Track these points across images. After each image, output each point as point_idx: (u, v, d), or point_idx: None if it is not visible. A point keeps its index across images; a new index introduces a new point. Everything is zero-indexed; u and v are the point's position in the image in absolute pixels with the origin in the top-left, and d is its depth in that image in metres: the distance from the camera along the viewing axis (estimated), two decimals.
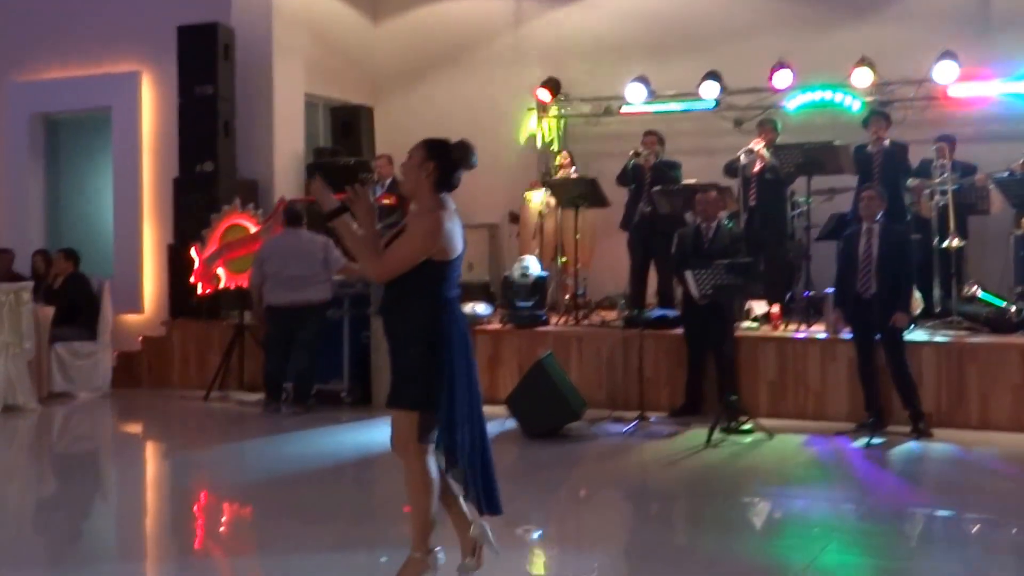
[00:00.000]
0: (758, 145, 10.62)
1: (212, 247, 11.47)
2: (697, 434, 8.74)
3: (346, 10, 14.45)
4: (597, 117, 13.37)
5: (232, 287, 11.43)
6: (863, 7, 12.46)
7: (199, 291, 11.61)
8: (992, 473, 7.79)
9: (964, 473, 7.80)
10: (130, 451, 9.77)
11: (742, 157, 10.63)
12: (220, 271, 11.45)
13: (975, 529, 6.40)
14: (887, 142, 10.37)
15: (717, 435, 8.46)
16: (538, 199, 12.20)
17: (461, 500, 5.07)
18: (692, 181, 10.65)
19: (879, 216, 8.70)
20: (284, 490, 7.47)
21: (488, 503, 5.02)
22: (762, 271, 9.54)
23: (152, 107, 13.25)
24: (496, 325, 10.83)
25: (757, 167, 10.61)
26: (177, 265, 12.05)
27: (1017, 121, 11.67)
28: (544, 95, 13.29)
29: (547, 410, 8.76)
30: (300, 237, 10.27)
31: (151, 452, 9.73)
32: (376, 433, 9.15)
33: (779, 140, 10.89)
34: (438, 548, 5.00)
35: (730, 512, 6.81)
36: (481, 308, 10.93)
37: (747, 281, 8.60)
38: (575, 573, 5.66)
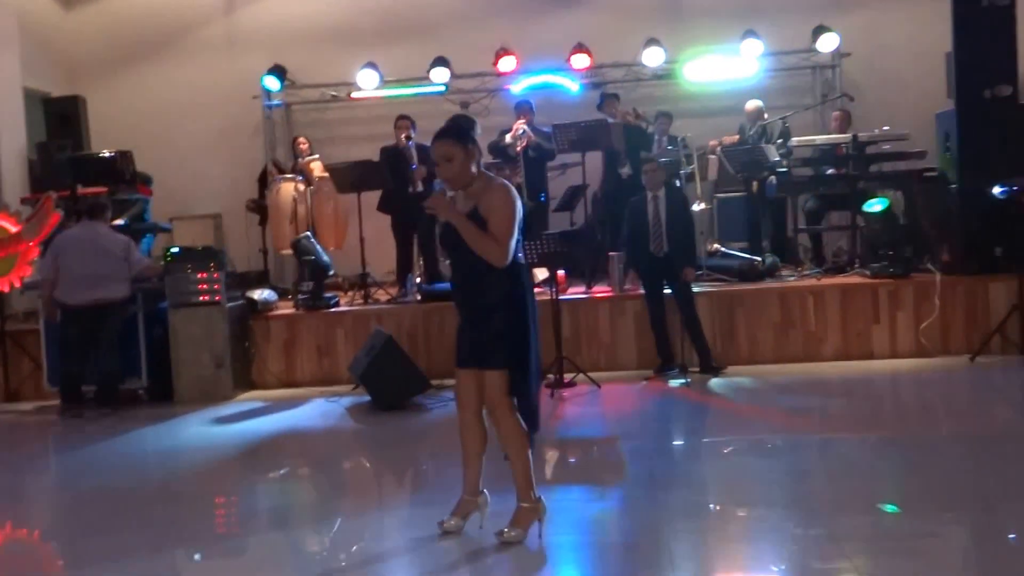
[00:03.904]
0: (524, 126, 11.49)
1: None
2: None
3: None
4: (326, 103, 13.67)
5: None
6: None
7: None
8: (801, 395, 9.05)
9: (792, 396, 9.00)
10: None
11: (507, 137, 11.47)
12: None
13: (882, 442, 7.57)
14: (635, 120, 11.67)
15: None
16: (288, 186, 12.36)
17: (481, 466, 5.53)
18: None
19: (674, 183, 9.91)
20: (96, 497, 7.10)
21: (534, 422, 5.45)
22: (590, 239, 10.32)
23: None
24: (289, 310, 10.97)
25: (520, 146, 11.47)
26: None
27: (708, 99, 13.39)
28: (271, 82, 13.38)
29: (402, 382, 9.18)
30: (98, 231, 9.89)
31: None
32: (181, 428, 9.19)
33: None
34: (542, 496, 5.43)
35: (695, 449, 7.65)
36: (268, 294, 11.01)
37: (574, 249, 9.42)
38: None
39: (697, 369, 9.80)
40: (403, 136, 11.32)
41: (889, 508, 5.88)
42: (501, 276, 5.26)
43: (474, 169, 5.25)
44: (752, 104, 12.29)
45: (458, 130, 5.29)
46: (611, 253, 10.67)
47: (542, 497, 5.44)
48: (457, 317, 5.52)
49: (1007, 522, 5.52)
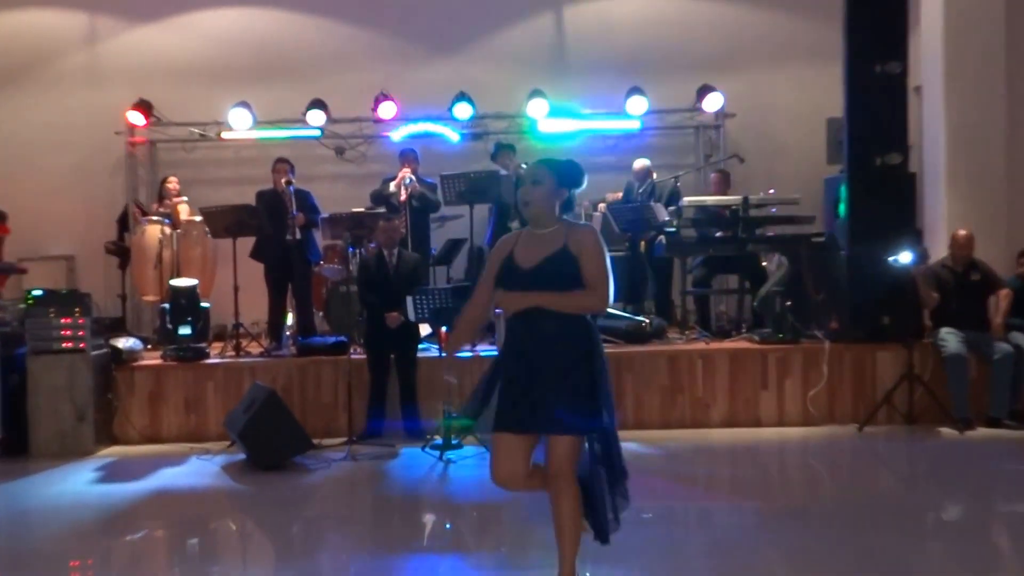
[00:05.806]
0: (409, 175, 11.08)
1: None
2: (412, 452, 9.07)
3: None
4: (194, 142, 13.01)
5: None
6: (456, 45, 13.45)
7: None
8: (687, 463, 8.88)
9: (677, 463, 8.83)
10: None
11: (391, 186, 11.05)
12: None
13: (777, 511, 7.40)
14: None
15: (432, 450, 8.93)
16: (154, 228, 11.67)
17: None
18: (360, 209, 10.85)
19: None
20: None
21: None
22: None
23: None
24: (156, 360, 10.26)
25: (404, 195, 11.05)
26: None
27: (591, 155, 13.21)
28: (136, 118, 12.68)
29: (283, 441, 8.64)
30: None
31: None
32: (40, 486, 8.48)
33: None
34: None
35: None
36: (133, 342, 10.30)
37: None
38: None
39: None
40: (283, 180, 10.73)
41: None
42: (580, 325, 4.91)
43: (557, 210, 5.01)
44: (640, 163, 12.12)
45: (559, 165, 5.08)
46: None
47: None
48: (511, 375, 5.03)
49: None
